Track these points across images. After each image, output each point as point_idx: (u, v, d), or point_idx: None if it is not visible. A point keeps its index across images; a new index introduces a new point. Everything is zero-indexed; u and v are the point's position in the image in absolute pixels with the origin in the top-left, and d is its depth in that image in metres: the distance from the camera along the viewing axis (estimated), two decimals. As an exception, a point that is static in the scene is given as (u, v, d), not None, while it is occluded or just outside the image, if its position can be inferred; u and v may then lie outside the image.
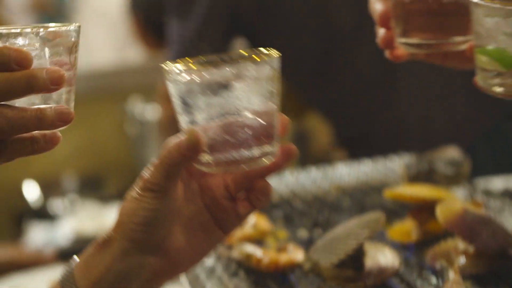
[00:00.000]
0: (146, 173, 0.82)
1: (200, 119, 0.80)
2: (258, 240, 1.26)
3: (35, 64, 0.77)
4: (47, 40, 0.79)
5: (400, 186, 1.30)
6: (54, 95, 0.80)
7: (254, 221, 1.27)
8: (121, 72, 3.30)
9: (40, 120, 0.77)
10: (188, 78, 0.79)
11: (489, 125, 1.79)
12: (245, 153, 0.81)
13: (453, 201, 1.14)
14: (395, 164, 1.55)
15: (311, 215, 1.38)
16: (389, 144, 1.76)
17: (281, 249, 1.19)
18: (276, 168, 0.85)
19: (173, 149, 0.81)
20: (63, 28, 0.80)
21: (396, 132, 1.81)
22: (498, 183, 1.51)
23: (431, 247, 1.12)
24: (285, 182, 1.52)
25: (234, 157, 0.81)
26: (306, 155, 2.67)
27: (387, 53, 1.02)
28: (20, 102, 0.78)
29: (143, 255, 0.84)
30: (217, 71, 0.79)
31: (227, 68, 0.79)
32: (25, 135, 0.79)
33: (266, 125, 0.81)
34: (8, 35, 0.77)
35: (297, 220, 1.37)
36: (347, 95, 1.81)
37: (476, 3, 0.87)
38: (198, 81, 0.79)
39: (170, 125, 2.10)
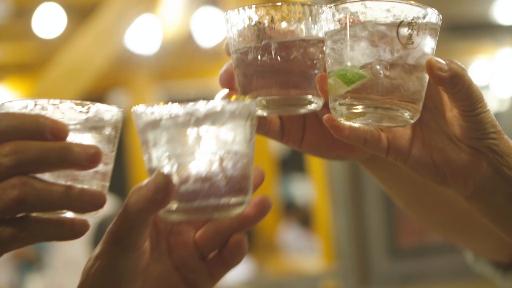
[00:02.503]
0: (110, 226, 0.75)
1: (170, 162, 0.74)
2: None
3: (72, 140, 0.72)
4: (86, 116, 0.75)
5: None
6: (86, 185, 0.74)
7: None
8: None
9: (69, 197, 0.71)
10: (160, 115, 0.74)
11: None
12: (216, 200, 0.75)
13: None
14: None
15: None
16: None
17: None
18: (248, 221, 0.80)
19: (139, 195, 0.73)
20: (106, 107, 0.76)
21: None
22: None
23: None
24: None
25: (204, 204, 0.74)
26: None
27: None
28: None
29: None
30: (192, 107, 0.73)
31: (203, 105, 0.73)
32: (51, 217, 0.72)
33: (240, 172, 0.76)
34: (46, 106, 0.74)
35: None
36: None
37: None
38: (171, 118, 0.73)
39: None
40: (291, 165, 6.74)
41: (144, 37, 5.67)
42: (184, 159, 0.74)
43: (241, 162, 0.76)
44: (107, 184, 0.78)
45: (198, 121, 0.74)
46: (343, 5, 0.82)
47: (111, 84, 6.72)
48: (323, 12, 0.85)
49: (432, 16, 0.81)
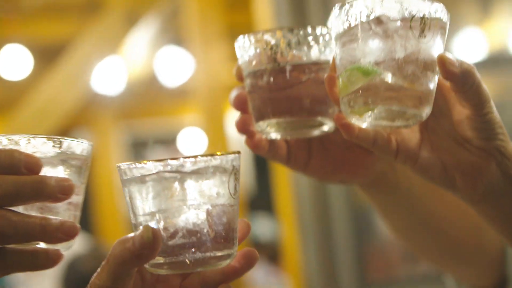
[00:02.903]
0: (93, 278, 0.74)
1: (155, 217, 0.75)
2: None
3: (45, 173, 0.75)
4: (59, 150, 0.78)
5: None
6: (60, 216, 0.77)
7: None
8: None
9: (44, 228, 0.73)
10: (145, 171, 0.75)
11: None
12: (202, 254, 0.75)
13: None
14: None
15: None
16: None
17: None
18: (234, 273, 0.79)
19: (123, 247, 0.73)
20: (77, 141, 0.79)
21: None
22: None
23: None
24: None
25: (190, 258, 0.75)
26: None
27: (246, 141, 0.94)
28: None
29: None
30: (177, 164, 0.74)
31: (188, 160, 0.75)
32: (26, 248, 0.74)
33: (226, 226, 0.77)
34: (19, 142, 0.76)
35: None
36: None
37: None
38: (156, 174, 0.75)
39: None
40: (258, 203, 6.78)
41: (109, 78, 5.68)
42: (169, 214, 0.75)
43: (226, 216, 0.77)
44: (79, 214, 0.80)
45: (183, 177, 0.75)
46: (354, 1, 0.81)
47: (75, 123, 6.71)
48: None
49: (442, 11, 0.81)
